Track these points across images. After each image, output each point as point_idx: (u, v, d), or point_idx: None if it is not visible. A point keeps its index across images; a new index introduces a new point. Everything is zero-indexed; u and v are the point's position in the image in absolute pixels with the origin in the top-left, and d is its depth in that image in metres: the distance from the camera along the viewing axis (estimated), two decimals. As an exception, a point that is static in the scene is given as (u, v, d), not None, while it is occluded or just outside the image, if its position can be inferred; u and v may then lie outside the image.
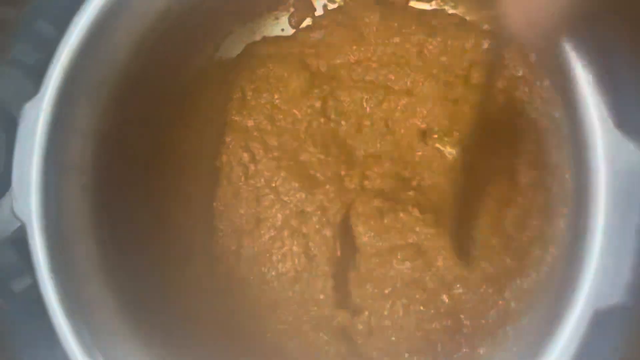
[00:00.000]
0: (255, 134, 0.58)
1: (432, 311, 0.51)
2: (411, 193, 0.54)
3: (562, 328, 0.36)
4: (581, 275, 0.37)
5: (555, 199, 0.47)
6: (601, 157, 0.38)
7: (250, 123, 0.58)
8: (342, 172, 0.56)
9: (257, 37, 0.62)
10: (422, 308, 0.52)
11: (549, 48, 0.40)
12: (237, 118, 0.59)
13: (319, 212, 0.55)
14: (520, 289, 0.49)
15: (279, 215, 0.56)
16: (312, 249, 0.55)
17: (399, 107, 0.56)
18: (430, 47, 0.55)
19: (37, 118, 0.47)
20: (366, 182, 0.56)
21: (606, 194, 0.37)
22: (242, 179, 0.57)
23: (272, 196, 0.57)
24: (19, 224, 0.48)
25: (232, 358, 0.54)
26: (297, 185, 0.56)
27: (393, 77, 0.57)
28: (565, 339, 0.36)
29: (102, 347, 0.45)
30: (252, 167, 0.58)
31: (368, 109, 0.57)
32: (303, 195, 0.56)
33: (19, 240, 0.55)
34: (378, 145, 0.57)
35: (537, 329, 0.41)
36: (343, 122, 0.58)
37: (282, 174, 0.56)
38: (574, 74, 0.39)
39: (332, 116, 0.58)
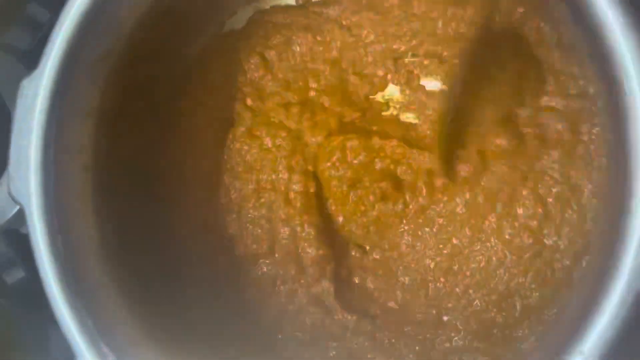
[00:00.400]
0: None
1: None
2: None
3: (601, 311, 0.34)
4: (621, 257, 0.34)
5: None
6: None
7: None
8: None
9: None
10: None
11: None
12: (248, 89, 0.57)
13: None
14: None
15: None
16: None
17: None
18: None
19: (35, 95, 0.44)
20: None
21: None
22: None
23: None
24: (16, 209, 0.46)
25: (234, 342, 0.52)
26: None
27: None
28: (605, 322, 0.33)
29: (105, 335, 0.43)
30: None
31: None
32: None
33: (11, 232, 0.53)
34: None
35: (576, 313, 0.38)
36: None
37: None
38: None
39: None
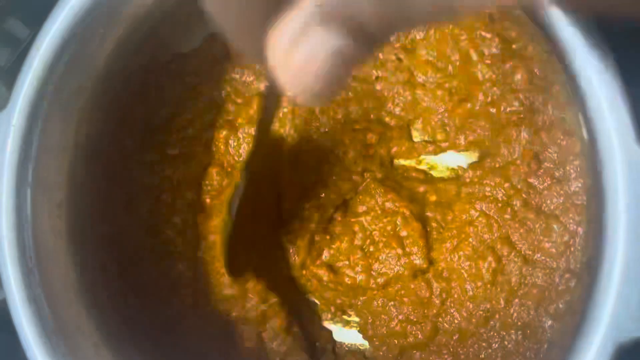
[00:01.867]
0: None
1: None
2: None
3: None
4: (600, 306, 0.34)
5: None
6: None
7: None
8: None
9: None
10: None
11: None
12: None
13: None
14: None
15: None
16: None
17: None
18: None
19: (6, 132, 0.43)
20: None
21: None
22: None
23: None
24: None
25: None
26: None
27: None
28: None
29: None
30: None
31: None
32: None
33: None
34: None
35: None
36: None
37: None
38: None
39: None
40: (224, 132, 0.54)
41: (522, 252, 0.47)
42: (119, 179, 0.51)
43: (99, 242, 0.51)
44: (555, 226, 0.46)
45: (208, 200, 0.54)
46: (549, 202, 0.47)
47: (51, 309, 0.44)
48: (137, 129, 0.53)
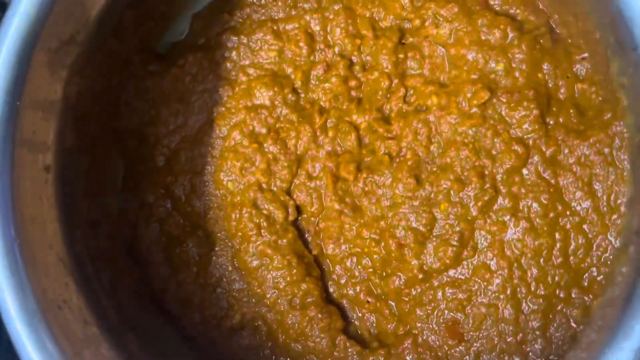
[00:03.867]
0: None
1: None
2: None
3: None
4: None
5: None
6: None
7: None
8: None
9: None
10: None
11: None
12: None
13: None
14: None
15: None
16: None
17: None
18: None
19: (-12, 85, 0.39)
20: None
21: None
22: None
23: None
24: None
25: None
26: None
27: None
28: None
29: (65, 355, 0.38)
30: None
31: None
32: None
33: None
34: None
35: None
36: None
37: None
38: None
39: None
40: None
41: None
42: (110, 147, 0.48)
43: (90, 213, 0.47)
44: None
45: None
46: None
47: (35, 282, 0.40)
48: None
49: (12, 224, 0.39)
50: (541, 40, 0.49)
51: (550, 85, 0.49)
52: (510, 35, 0.49)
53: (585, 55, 0.46)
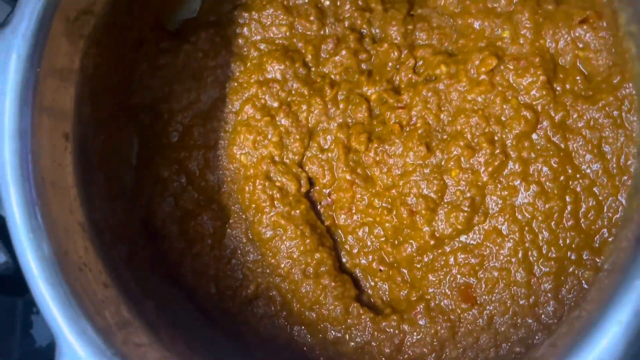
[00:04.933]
0: None
1: None
2: None
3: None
4: None
5: None
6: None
7: None
8: None
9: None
10: None
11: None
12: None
13: None
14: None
15: None
16: None
17: None
18: None
19: (9, 51, 0.40)
20: None
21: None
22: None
23: None
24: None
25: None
26: None
27: None
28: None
29: (87, 313, 0.39)
30: None
31: None
32: None
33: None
34: None
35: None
36: None
37: None
38: None
39: None
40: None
41: None
42: (125, 123, 0.49)
43: (106, 186, 0.48)
44: None
45: None
46: None
47: (55, 244, 0.41)
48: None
49: (33, 187, 0.40)
50: (544, 5, 0.49)
51: (552, 52, 0.49)
52: (515, 1, 0.50)
53: (589, 12, 0.47)
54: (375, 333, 0.50)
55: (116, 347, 0.39)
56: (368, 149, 0.52)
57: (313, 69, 0.54)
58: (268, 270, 0.53)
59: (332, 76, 0.54)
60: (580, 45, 0.48)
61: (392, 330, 0.50)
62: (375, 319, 0.51)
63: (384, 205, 0.52)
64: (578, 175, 0.48)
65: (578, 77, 0.49)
